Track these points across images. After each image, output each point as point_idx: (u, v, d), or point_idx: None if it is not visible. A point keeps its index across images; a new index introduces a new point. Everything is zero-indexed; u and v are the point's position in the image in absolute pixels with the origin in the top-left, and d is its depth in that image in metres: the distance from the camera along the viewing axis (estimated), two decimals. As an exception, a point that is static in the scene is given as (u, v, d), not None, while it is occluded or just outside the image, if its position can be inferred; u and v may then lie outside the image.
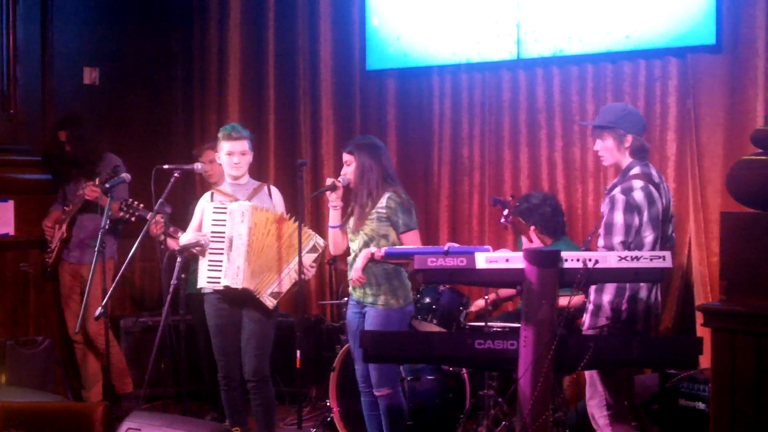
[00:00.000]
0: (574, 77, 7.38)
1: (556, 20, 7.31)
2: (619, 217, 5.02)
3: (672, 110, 6.93)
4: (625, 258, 4.38)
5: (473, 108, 7.91)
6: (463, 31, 7.76)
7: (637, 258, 4.36)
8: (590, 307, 5.23)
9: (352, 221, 5.99)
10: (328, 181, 6.01)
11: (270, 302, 6.04)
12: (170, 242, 6.60)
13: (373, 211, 5.87)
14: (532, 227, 5.65)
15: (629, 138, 5.24)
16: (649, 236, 5.08)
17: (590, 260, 4.33)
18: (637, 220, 5.04)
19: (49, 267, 7.56)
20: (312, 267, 6.13)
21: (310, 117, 8.66)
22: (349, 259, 6.03)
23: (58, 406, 4.95)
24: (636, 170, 5.20)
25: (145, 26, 8.81)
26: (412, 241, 5.85)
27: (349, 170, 5.97)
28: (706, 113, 6.77)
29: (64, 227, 7.38)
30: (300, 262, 5.94)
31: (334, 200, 5.99)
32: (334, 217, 6.07)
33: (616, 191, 5.12)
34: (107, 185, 6.42)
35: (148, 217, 6.46)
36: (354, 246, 5.99)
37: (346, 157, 6.00)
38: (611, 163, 5.38)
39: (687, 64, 6.84)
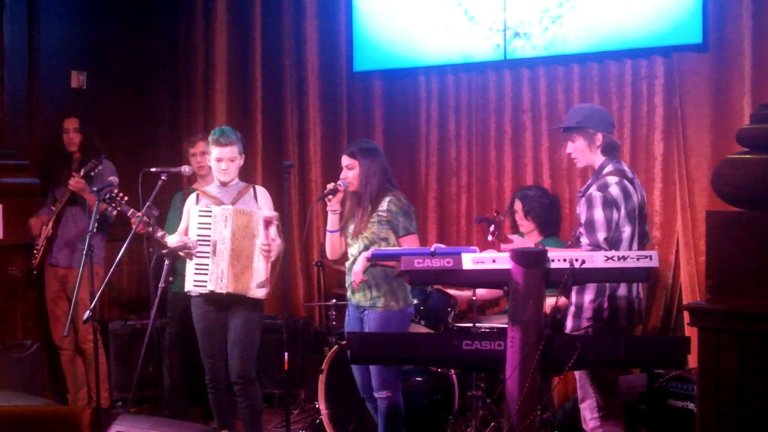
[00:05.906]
0: (560, 77, 7.38)
1: (542, 20, 7.31)
2: (599, 214, 5.05)
3: (658, 110, 6.94)
4: (611, 258, 4.39)
5: (459, 109, 7.91)
6: (449, 32, 7.76)
7: (624, 258, 4.36)
8: (572, 308, 5.25)
9: (351, 226, 5.98)
10: (330, 185, 5.96)
11: (260, 293, 6.04)
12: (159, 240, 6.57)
13: (374, 214, 5.85)
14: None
15: (599, 136, 5.28)
16: (626, 231, 5.13)
17: (577, 260, 4.34)
18: (615, 215, 5.08)
19: (35, 269, 7.47)
20: (274, 240, 6.09)
21: (297, 119, 8.65)
22: (348, 263, 6.02)
23: (46, 410, 4.90)
24: (609, 168, 5.26)
25: (131, 30, 8.80)
26: (410, 245, 5.81)
27: (350, 174, 5.93)
28: (693, 112, 6.78)
29: (50, 225, 7.33)
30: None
31: (333, 204, 5.95)
32: (332, 221, 6.03)
33: (593, 189, 5.15)
34: (95, 188, 6.38)
35: (129, 213, 6.42)
36: (353, 250, 5.96)
37: (348, 161, 5.94)
38: (584, 164, 5.42)
39: (673, 63, 6.85)
